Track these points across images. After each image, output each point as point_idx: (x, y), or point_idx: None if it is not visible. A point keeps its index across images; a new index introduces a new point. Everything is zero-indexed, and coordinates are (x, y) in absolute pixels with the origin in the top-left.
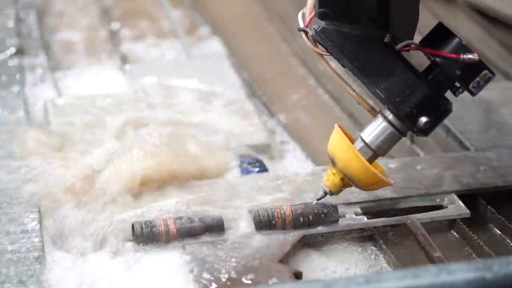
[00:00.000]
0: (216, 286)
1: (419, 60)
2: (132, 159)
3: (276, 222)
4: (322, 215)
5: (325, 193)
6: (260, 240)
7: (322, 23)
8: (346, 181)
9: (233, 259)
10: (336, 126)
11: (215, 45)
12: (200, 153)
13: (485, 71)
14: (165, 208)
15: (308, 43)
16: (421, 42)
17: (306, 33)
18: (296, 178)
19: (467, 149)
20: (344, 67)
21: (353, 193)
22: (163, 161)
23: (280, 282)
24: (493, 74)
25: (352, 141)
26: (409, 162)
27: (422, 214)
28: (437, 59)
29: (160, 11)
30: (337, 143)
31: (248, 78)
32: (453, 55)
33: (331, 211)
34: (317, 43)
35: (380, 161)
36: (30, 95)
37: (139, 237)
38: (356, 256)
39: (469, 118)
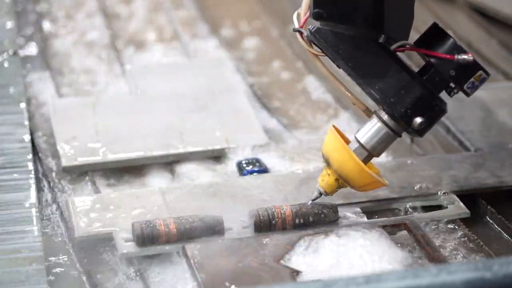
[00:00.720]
0: (216, 286)
1: (419, 60)
2: None
3: (276, 222)
4: (322, 215)
5: (320, 194)
6: (260, 240)
7: (317, 24)
8: (341, 181)
9: (233, 259)
10: (331, 127)
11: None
12: None
13: (480, 72)
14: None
15: (303, 43)
16: (416, 42)
17: (301, 33)
18: (296, 178)
19: (467, 149)
20: (339, 68)
21: (353, 193)
22: None
23: (280, 282)
24: (488, 74)
25: (347, 142)
26: (409, 162)
27: (422, 214)
28: (432, 60)
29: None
30: (331, 144)
31: (249, 78)
32: (448, 56)
33: (331, 211)
34: (312, 44)
35: (380, 161)
36: (31, 95)
37: (139, 237)
38: (357, 256)
39: (469, 118)
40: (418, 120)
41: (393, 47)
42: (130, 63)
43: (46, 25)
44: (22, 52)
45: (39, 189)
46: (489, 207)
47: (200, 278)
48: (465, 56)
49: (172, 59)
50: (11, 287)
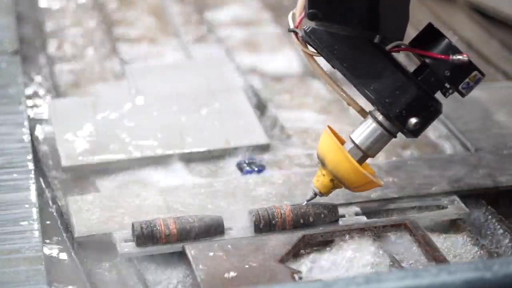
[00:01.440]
0: (216, 286)
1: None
2: None
3: (276, 222)
4: (322, 215)
5: (315, 194)
6: (260, 240)
7: (312, 24)
8: (336, 182)
9: (233, 259)
10: (326, 127)
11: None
12: None
13: (475, 72)
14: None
15: (298, 44)
16: (411, 43)
17: (296, 34)
18: (296, 178)
19: (467, 149)
20: (334, 68)
21: (354, 193)
22: None
23: (280, 282)
24: (483, 75)
25: (342, 142)
26: (409, 162)
27: (422, 214)
28: (427, 60)
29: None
30: (326, 145)
31: (248, 79)
32: (443, 56)
33: (331, 211)
34: (307, 44)
35: (380, 161)
36: (30, 96)
37: (139, 237)
38: (356, 256)
39: (469, 118)
40: (413, 120)
41: (388, 47)
42: (130, 63)
43: (46, 25)
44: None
45: (39, 189)
46: (489, 207)
47: (199, 278)
48: (460, 57)
49: (172, 59)
50: (11, 287)
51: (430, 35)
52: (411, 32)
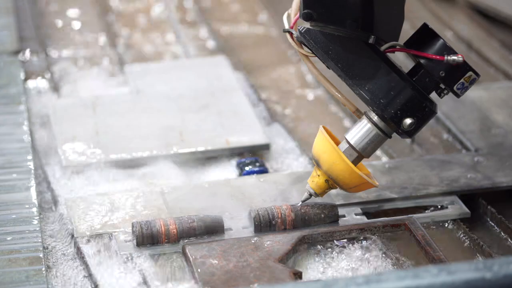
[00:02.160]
0: (216, 286)
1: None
2: None
3: (276, 222)
4: (322, 215)
5: (310, 195)
6: (260, 240)
7: (307, 25)
8: (331, 183)
9: (233, 259)
10: (320, 127)
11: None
12: None
13: (470, 73)
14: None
15: (293, 44)
16: (406, 43)
17: (291, 34)
18: (296, 178)
19: (467, 149)
20: (329, 68)
21: (354, 193)
22: None
23: (280, 282)
24: (478, 75)
25: (337, 142)
26: (409, 162)
27: (422, 214)
28: (422, 61)
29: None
30: (321, 145)
31: (248, 78)
32: (437, 57)
33: (331, 211)
34: (302, 45)
35: (380, 161)
36: (30, 96)
37: (139, 237)
38: (356, 256)
39: (469, 118)
40: (408, 121)
41: (383, 48)
42: (130, 63)
43: (46, 25)
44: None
45: (39, 189)
46: (489, 207)
47: (199, 278)
48: (454, 57)
49: (172, 59)
50: (11, 287)
51: (425, 36)
52: (411, 33)
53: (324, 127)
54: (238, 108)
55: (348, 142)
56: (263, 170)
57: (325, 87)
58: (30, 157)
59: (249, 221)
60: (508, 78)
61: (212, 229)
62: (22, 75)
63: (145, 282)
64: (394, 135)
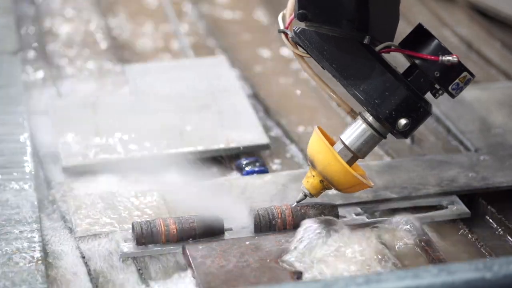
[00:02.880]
0: (216, 286)
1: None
2: None
3: (276, 222)
4: (322, 215)
5: (305, 196)
6: (260, 240)
7: (302, 25)
8: (326, 183)
9: (233, 259)
10: (315, 128)
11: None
12: None
13: (465, 73)
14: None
15: (288, 44)
16: (401, 43)
17: (286, 34)
18: (296, 178)
19: (467, 149)
20: (324, 69)
21: (353, 193)
22: None
23: (280, 282)
24: (473, 76)
25: (332, 143)
26: (409, 162)
27: (422, 214)
28: (417, 61)
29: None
30: (316, 145)
31: (248, 79)
32: (432, 57)
33: (331, 211)
34: (297, 45)
35: (379, 161)
36: (30, 96)
37: (139, 237)
38: (356, 256)
39: (469, 118)
40: (403, 121)
41: (378, 48)
42: (130, 63)
43: (46, 25)
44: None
45: (39, 189)
46: (489, 207)
47: (199, 278)
48: (449, 57)
49: (172, 59)
50: (11, 287)
51: (420, 36)
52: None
53: (319, 128)
54: (238, 108)
55: (343, 143)
56: (263, 170)
57: (320, 87)
58: (30, 157)
59: (249, 221)
60: (508, 78)
61: (212, 229)
62: (22, 75)
63: (145, 282)
64: (390, 135)
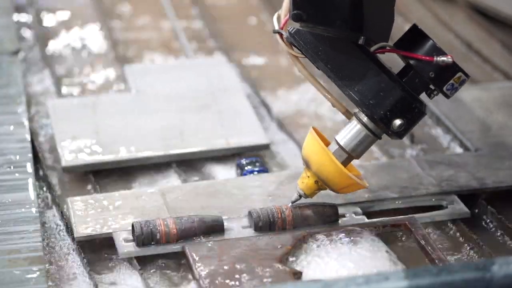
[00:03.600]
0: (216, 286)
1: None
2: None
3: (276, 222)
4: (322, 215)
5: (300, 196)
6: (260, 240)
7: (297, 25)
8: (321, 184)
9: (233, 260)
10: (311, 128)
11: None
12: None
13: (459, 73)
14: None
15: (283, 45)
16: (396, 44)
17: (281, 35)
18: (296, 178)
19: (467, 149)
20: (319, 69)
21: (354, 193)
22: None
23: (280, 282)
24: (467, 76)
25: (327, 144)
26: (409, 162)
27: (422, 214)
28: (411, 62)
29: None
30: (311, 146)
31: (248, 78)
32: (427, 57)
33: (331, 211)
34: (292, 46)
35: (379, 161)
36: (30, 96)
37: (139, 237)
38: (356, 256)
39: (469, 118)
40: (398, 122)
41: (373, 48)
42: (130, 63)
43: (46, 25)
44: (21, 53)
45: (39, 189)
46: (489, 207)
47: (200, 278)
48: (444, 58)
49: (172, 59)
50: (11, 287)
51: (414, 37)
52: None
53: (314, 128)
54: (238, 108)
55: (338, 143)
56: (263, 170)
57: (315, 87)
58: (30, 157)
59: (249, 221)
60: (508, 78)
61: (212, 229)
62: (22, 75)
63: (145, 282)
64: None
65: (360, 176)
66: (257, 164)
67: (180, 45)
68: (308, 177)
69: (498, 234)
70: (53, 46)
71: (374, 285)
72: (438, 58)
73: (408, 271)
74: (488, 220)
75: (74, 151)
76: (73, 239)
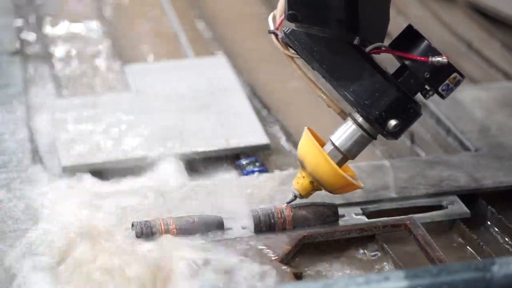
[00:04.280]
0: (216, 286)
1: None
2: None
3: (276, 222)
4: (322, 215)
5: (295, 197)
6: (260, 240)
7: (292, 26)
8: (316, 184)
9: (233, 260)
10: (305, 129)
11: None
12: None
13: (455, 74)
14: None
15: (278, 45)
16: (391, 44)
17: (276, 35)
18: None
19: (467, 149)
20: (314, 70)
21: (353, 193)
22: None
23: (280, 282)
24: (463, 77)
25: (322, 144)
26: (409, 162)
27: (422, 214)
28: (406, 62)
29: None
30: (306, 146)
31: (248, 79)
32: (422, 58)
33: (331, 211)
34: (287, 46)
35: (379, 161)
36: (30, 96)
37: (139, 237)
38: (356, 256)
39: (469, 118)
40: (393, 122)
41: (368, 49)
42: (130, 63)
43: (46, 25)
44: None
45: (39, 189)
46: (489, 207)
47: (199, 278)
48: (439, 58)
49: (172, 59)
50: (11, 287)
51: (410, 37)
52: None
53: (309, 129)
54: (238, 108)
55: (333, 144)
56: (263, 170)
57: (311, 88)
58: (30, 157)
59: (249, 221)
60: (508, 78)
61: (212, 229)
62: (22, 75)
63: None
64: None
65: (356, 176)
66: (257, 164)
67: (180, 45)
68: (304, 177)
69: (498, 234)
70: (53, 46)
71: (374, 285)
72: (433, 59)
73: (408, 271)
74: (488, 220)
75: (74, 151)
76: (72, 236)
